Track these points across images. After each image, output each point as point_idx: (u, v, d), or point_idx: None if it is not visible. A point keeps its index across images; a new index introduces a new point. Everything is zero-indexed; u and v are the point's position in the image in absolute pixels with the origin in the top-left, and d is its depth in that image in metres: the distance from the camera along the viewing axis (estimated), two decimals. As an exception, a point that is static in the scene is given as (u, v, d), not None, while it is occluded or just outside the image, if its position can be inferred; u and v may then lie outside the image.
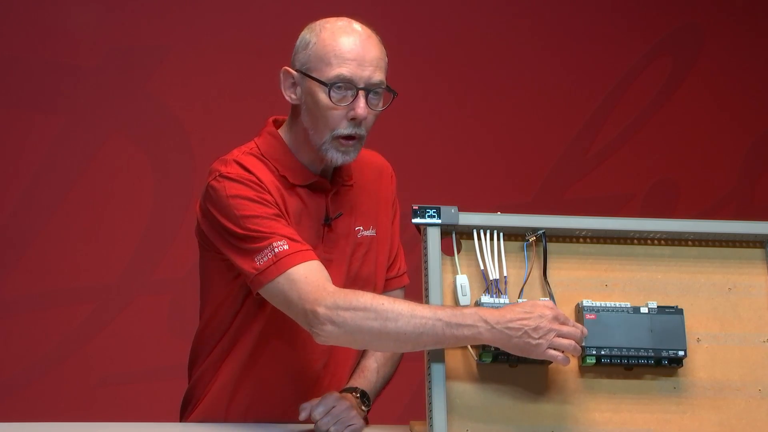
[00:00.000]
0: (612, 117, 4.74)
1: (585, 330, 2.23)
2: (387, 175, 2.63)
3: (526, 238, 2.36)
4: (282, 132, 2.50)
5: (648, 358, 2.29)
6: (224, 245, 2.38)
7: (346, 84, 2.37)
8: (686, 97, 4.78)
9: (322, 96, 2.38)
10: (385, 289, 2.62)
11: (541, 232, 2.35)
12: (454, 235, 2.35)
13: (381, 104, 2.42)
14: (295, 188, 2.45)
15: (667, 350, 2.29)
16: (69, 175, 4.26)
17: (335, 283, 2.34)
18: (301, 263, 2.29)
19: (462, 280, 2.31)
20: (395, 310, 2.20)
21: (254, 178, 2.39)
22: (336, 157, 2.42)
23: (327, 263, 2.42)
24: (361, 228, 2.53)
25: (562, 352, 2.19)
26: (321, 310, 2.23)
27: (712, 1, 4.83)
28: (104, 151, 4.29)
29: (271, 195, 2.39)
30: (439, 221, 2.32)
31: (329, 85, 2.36)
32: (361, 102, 2.38)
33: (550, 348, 2.18)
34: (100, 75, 4.29)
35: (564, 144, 4.70)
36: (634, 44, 4.76)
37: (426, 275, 2.29)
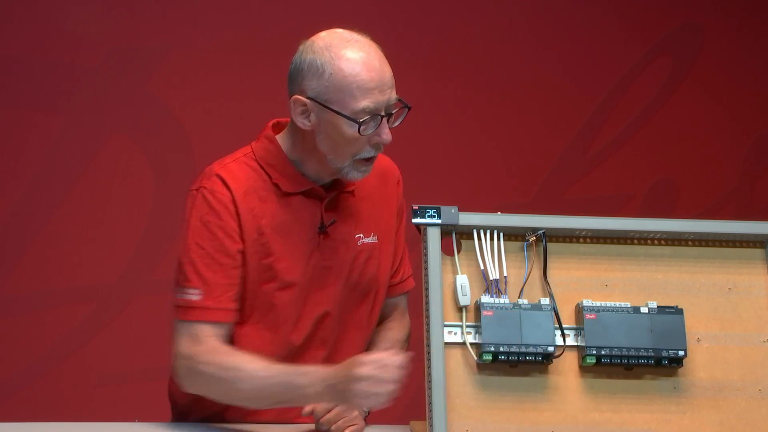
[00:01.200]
0: (612, 117, 4.74)
1: (399, 379, 2.24)
2: (393, 180, 2.61)
3: (526, 238, 2.36)
4: (281, 138, 2.49)
5: (648, 358, 2.29)
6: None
7: (371, 114, 2.35)
8: (686, 97, 4.78)
9: (348, 129, 2.35)
10: (387, 296, 2.62)
11: (541, 232, 2.35)
12: (454, 235, 2.35)
13: (398, 120, 2.42)
14: (289, 196, 2.45)
15: (667, 350, 2.29)
16: (69, 175, 4.26)
17: (334, 288, 2.41)
18: (195, 321, 2.39)
19: (462, 280, 2.31)
20: (239, 378, 2.31)
21: (226, 200, 2.40)
22: (356, 175, 2.43)
23: (325, 271, 2.44)
24: (362, 235, 2.53)
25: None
26: (181, 364, 2.38)
27: (712, 1, 4.83)
28: (104, 151, 4.29)
29: (237, 220, 2.40)
30: (439, 221, 2.32)
31: (359, 122, 2.34)
32: (386, 128, 2.37)
33: (369, 400, 2.23)
34: (100, 75, 4.29)
35: (564, 144, 4.70)
36: (634, 44, 4.76)
37: (426, 275, 2.30)
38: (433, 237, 2.32)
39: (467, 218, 2.34)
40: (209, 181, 2.43)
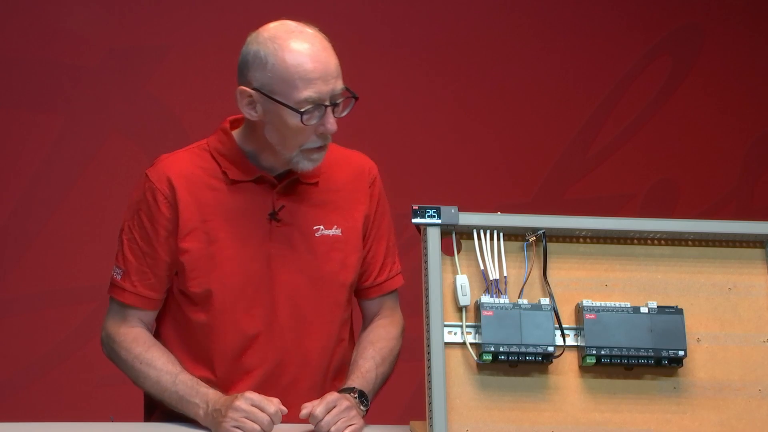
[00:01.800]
0: (612, 117, 4.74)
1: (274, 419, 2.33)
2: (366, 178, 2.60)
3: (526, 238, 2.36)
4: (238, 131, 2.52)
5: (648, 358, 2.29)
6: None
7: (315, 104, 2.37)
8: (686, 97, 4.78)
9: (291, 119, 2.38)
10: (374, 295, 2.63)
11: (541, 232, 2.35)
12: (454, 235, 2.35)
13: (345, 110, 2.43)
14: (239, 184, 2.48)
15: (667, 350, 2.29)
16: (69, 175, 4.26)
17: (288, 278, 2.46)
18: (120, 301, 2.52)
19: (462, 280, 2.31)
20: (147, 375, 2.49)
21: (164, 189, 2.47)
22: (307, 165, 2.45)
23: (279, 259, 2.47)
24: (321, 227, 2.53)
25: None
26: (104, 338, 2.59)
27: (712, 1, 4.83)
28: (104, 151, 4.29)
29: (174, 210, 2.46)
30: (439, 221, 2.32)
31: (301, 112, 2.36)
32: (330, 118, 2.39)
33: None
34: (100, 75, 4.29)
35: (564, 144, 4.70)
36: (634, 44, 4.76)
37: (426, 275, 2.30)
38: (433, 237, 2.32)
39: (467, 218, 2.34)
40: (154, 170, 2.52)
